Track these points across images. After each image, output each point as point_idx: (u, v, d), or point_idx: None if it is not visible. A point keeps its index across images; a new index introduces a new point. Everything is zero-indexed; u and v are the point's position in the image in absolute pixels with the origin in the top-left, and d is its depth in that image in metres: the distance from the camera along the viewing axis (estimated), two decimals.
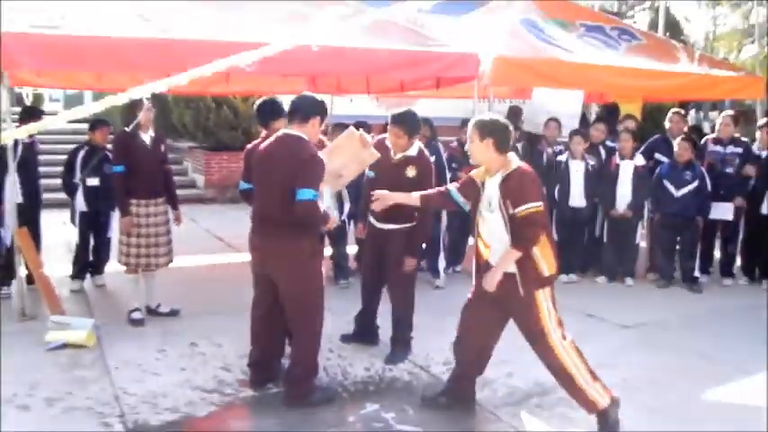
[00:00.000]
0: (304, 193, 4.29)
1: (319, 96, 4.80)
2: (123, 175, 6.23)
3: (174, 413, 4.59)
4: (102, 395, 4.81)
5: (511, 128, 4.48)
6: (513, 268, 4.27)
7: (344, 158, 4.90)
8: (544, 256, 4.28)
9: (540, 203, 4.26)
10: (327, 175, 4.53)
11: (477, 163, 4.53)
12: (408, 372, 5.35)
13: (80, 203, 7.45)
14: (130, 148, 6.25)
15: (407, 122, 5.40)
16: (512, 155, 4.47)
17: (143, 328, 6.21)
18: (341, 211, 7.68)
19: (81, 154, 7.46)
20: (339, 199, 7.61)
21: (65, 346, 5.64)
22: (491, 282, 4.29)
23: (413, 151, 5.49)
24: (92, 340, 5.77)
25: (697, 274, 8.26)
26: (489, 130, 4.36)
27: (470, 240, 8.69)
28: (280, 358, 5.03)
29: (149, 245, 6.30)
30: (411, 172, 5.44)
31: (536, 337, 4.38)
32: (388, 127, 5.47)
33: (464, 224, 8.40)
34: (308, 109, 4.61)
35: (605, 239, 8.37)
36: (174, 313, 6.56)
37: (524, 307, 4.33)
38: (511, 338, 6.01)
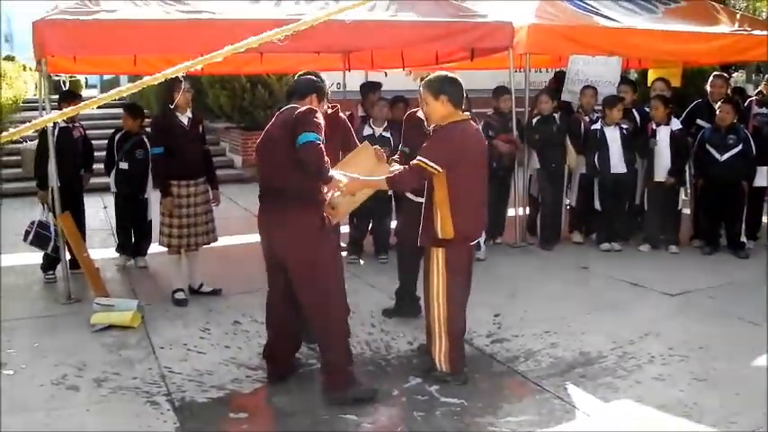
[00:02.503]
0: (304, 137, 4.13)
1: (326, 74, 4.85)
2: (162, 156, 6.27)
3: (220, 390, 4.63)
4: (149, 375, 4.88)
5: (460, 82, 4.58)
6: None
7: (359, 173, 4.63)
8: (442, 218, 4.43)
9: (431, 162, 4.36)
10: (341, 194, 4.40)
11: (433, 123, 4.59)
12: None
13: (111, 185, 7.76)
14: (169, 130, 6.28)
15: None
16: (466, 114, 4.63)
17: (186, 308, 6.27)
18: None
19: (117, 138, 7.65)
20: None
21: (110, 327, 5.73)
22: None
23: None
24: (137, 321, 5.85)
25: (743, 239, 8.10)
26: (439, 87, 4.49)
27: (510, 211, 8.73)
28: (295, 351, 4.89)
29: (190, 225, 6.35)
30: None
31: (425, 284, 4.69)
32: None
33: (501, 195, 8.39)
34: (303, 89, 4.61)
35: (646, 207, 8.24)
36: (216, 292, 6.61)
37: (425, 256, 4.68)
38: (554, 310, 6.00)
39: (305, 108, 4.30)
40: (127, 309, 5.97)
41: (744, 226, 8.14)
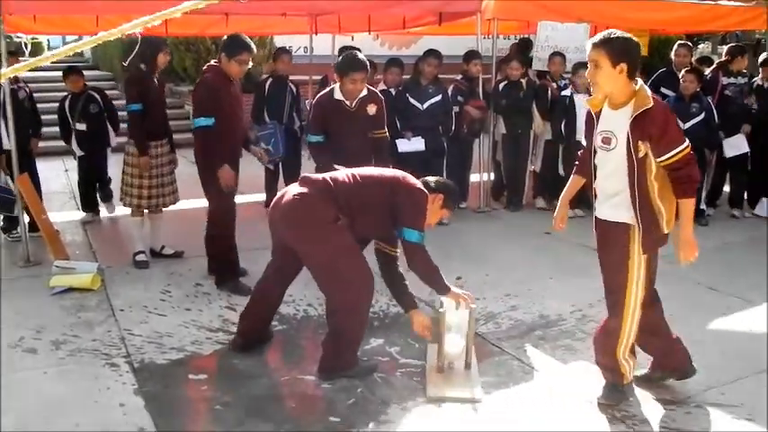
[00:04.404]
0: None
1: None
2: (140, 114, 6.07)
3: (179, 352, 4.61)
4: (108, 337, 4.83)
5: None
6: (628, 219, 3.72)
7: None
8: (668, 208, 3.70)
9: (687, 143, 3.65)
10: None
11: (601, 93, 3.74)
12: None
13: (76, 149, 7.75)
14: (147, 88, 6.11)
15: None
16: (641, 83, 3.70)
17: (147, 270, 6.21)
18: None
19: (67, 102, 7.69)
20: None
21: (70, 290, 5.66)
22: (688, 252, 3.82)
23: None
24: (96, 284, 5.79)
25: (703, 207, 8.21)
26: (622, 50, 3.59)
27: (473, 177, 8.75)
28: (266, 325, 4.75)
29: (158, 185, 6.25)
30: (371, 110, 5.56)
31: (613, 291, 3.92)
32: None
33: (465, 160, 8.41)
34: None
35: None
36: (178, 255, 6.55)
37: (616, 262, 3.84)
38: (516, 274, 6.04)
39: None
40: (87, 271, 5.90)
41: (704, 194, 8.24)
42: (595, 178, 3.85)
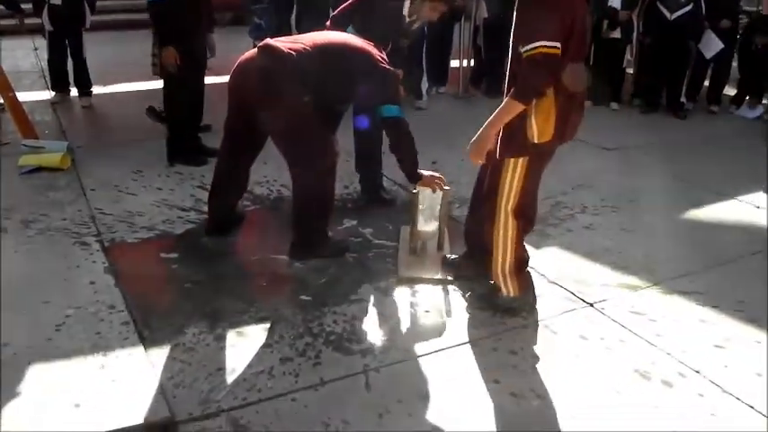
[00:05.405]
0: None
1: None
2: None
3: (150, 231, 4.57)
4: (78, 216, 4.77)
5: None
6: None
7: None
8: (543, 115, 3.27)
9: (553, 43, 3.10)
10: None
11: None
12: (386, 189, 5.31)
13: (46, 23, 7.39)
14: None
15: None
16: None
17: (119, 149, 6.09)
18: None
19: None
20: None
21: (39, 169, 5.56)
22: (473, 150, 3.42)
23: None
24: (66, 163, 5.69)
25: (683, 100, 8.15)
26: None
27: (455, 62, 8.59)
28: (236, 202, 4.65)
29: None
30: None
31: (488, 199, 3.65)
32: None
33: (446, 44, 8.23)
34: None
35: (591, 62, 8.18)
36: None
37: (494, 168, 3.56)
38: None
39: None
40: (56, 150, 5.79)
41: (685, 87, 8.17)
42: None
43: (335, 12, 4.82)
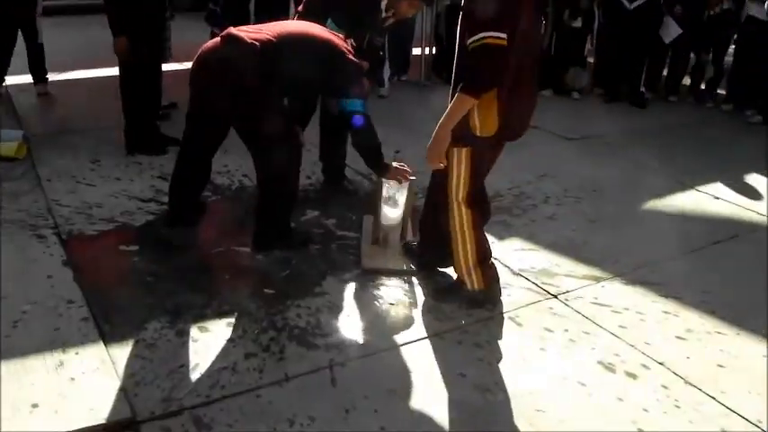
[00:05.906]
0: None
1: None
2: None
3: (109, 223, 4.48)
4: (35, 207, 4.65)
5: None
6: None
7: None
8: (485, 107, 3.24)
9: (499, 34, 3.02)
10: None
11: None
12: (349, 180, 5.28)
13: None
14: None
15: None
16: None
17: (76, 139, 5.95)
18: None
19: None
20: None
21: None
22: (430, 154, 3.38)
23: None
24: (22, 152, 5.54)
25: (642, 89, 8.23)
26: None
27: (416, 50, 8.57)
28: (199, 192, 4.51)
29: None
30: None
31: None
32: None
33: (409, 32, 8.20)
34: None
35: (553, 52, 8.21)
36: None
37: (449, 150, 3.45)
38: None
39: None
40: (11, 139, 5.63)
41: (644, 77, 8.25)
42: None
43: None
